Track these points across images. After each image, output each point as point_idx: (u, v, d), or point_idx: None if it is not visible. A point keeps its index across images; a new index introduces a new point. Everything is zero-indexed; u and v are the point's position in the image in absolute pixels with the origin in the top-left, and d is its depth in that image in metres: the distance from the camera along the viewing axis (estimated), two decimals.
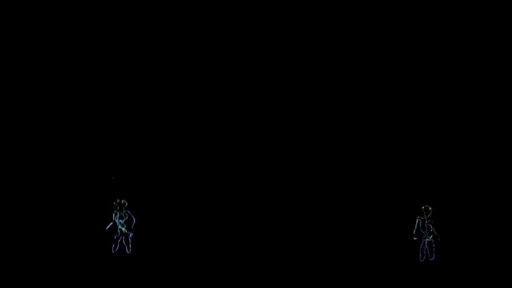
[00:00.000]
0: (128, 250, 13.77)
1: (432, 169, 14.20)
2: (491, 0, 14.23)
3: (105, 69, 14.31)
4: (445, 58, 14.31)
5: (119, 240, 13.73)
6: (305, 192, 14.20)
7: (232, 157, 14.30)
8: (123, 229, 13.74)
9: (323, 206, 14.17)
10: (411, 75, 14.35)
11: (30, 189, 13.99)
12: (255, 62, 14.44)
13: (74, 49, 14.29)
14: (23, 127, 14.15)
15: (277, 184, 14.24)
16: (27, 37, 14.23)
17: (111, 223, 13.75)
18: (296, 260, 13.96)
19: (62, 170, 14.09)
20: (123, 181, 14.08)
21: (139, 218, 13.90)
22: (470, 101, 14.27)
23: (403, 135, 14.30)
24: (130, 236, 13.76)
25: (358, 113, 14.38)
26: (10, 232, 13.81)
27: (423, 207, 14.01)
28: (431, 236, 13.94)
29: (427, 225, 13.96)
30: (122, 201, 13.80)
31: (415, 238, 13.99)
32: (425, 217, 13.99)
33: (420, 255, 13.95)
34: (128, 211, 13.81)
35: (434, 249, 13.94)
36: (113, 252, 13.68)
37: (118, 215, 13.75)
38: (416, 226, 14.00)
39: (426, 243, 13.95)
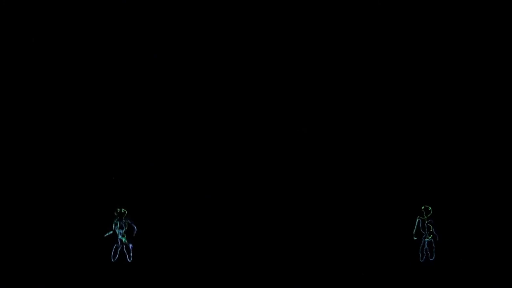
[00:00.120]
0: (129, 259, 13.78)
1: (432, 169, 14.20)
2: (491, 0, 14.23)
3: (106, 70, 14.32)
4: (445, 58, 14.26)
5: (119, 249, 13.74)
6: (305, 192, 14.20)
7: (232, 160, 14.30)
8: (123, 239, 13.76)
9: (323, 206, 14.18)
10: (411, 76, 14.33)
11: (30, 189, 14.02)
12: (255, 62, 14.43)
13: (74, 50, 14.29)
14: (23, 128, 14.16)
15: (277, 185, 14.24)
16: (27, 37, 14.24)
17: (111, 232, 13.76)
18: (297, 260, 13.97)
19: (62, 172, 14.11)
20: (123, 182, 14.10)
21: (139, 224, 13.91)
22: (470, 102, 14.26)
23: (403, 135, 14.28)
24: (131, 247, 13.77)
25: (358, 113, 14.37)
26: (10, 235, 13.84)
27: (423, 207, 14.00)
28: (431, 236, 13.93)
29: (427, 225, 13.95)
30: (122, 210, 13.81)
31: (415, 238, 13.98)
32: (425, 217, 13.98)
33: (420, 255, 13.96)
34: (129, 221, 13.82)
35: (434, 249, 13.93)
36: (112, 260, 13.69)
37: (118, 225, 13.76)
38: (416, 226, 14.00)
39: (426, 243, 13.94)
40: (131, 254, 13.84)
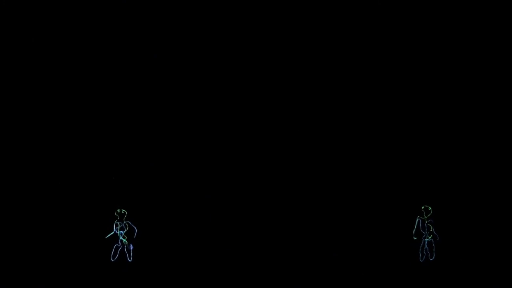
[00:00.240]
0: (130, 259, 13.79)
1: (432, 169, 14.19)
2: (490, 0, 14.22)
3: (105, 70, 14.32)
4: (445, 58, 14.26)
5: (119, 249, 13.76)
6: (305, 193, 14.20)
7: (232, 160, 14.30)
8: (124, 240, 13.77)
9: (323, 206, 14.17)
10: (410, 76, 14.32)
11: (30, 189, 14.02)
12: (255, 62, 14.42)
13: (74, 50, 14.28)
14: (23, 128, 14.16)
15: (277, 185, 14.24)
16: (27, 37, 14.24)
17: (112, 233, 13.77)
18: (297, 260, 13.97)
19: (62, 172, 14.11)
20: (123, 182, 14.10)
21: (139, 224, 13.91)
22: (469, 102, 14.25)
23: (403, 135, 14.27)
24: (131, 248, 13.78)
25: (358, 113, 14.36)
26: (10, 234, 13.84)
27: (423, 207, 14.00)
28: (431, 236, 13.93)
29: (427, 225, 13.95)
30: (123, 211, 13.82)
31: (415, 238, 13.98)
32: (425, 217, 13.98)
33: (420, 255, 13.95)
34: (129, 222, 13.83)
35: (434, 249, 13.93)
36: (112, 260, 13.70)
37: (119, 226, 13.77)
38: (416, 226, 13.99)
39: (426, 243, 13.94)
40: (131, 254, 13.84)
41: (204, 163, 14.34)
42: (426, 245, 13.96)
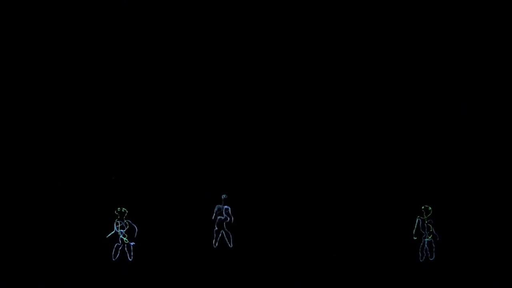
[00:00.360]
0: (130, 258, 13.79)
1: (432, 169, 14.21)
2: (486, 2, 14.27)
3: (106, 70, 14.33)
4: (444, 59, 14.30)
5: (120, 248, 13.76)
6: (306, 193, 14.21)
7: (232, 160, 14.32)
8: (124, 239, 13.77)
9: (324, 206, 14.18)
10: (411, 78, 14.35)
11: (31, 189, 14.03)
12: (254, 63, 14.44)
13: (75, 50, 14.29)
14: (23, 129, 14.16)
15: (276, 185, 14.25)
16: (27, 37, 14.25)
17: (113, 232, 13.78)
18: (297, 260, 13.97)
19: (62, 172, 14.13)
20: (123, 182, 14.12)
21: (139, 224, 13.92)
22: (469, 103, 14.27)
23: (403, 135, 14.30)
24: (132, 245, 13.78)
25: (358, 114, 14.38)
26: (11, 234, 13.85)
27: (423, 207, 14.01)
28: (431, 236, 13.94)
29: (427, 225, 13.96)
30: (123, 209, 13.82)
31: (415, 238, 13.98)
32: (425, 217, 13.99)
33: (420, 255, 13.96)
34: (129, 221, 13.84)
35: (434, 249, 13.93)
36: (113, 259, 13.71)
37: (119, 224, 13.78)
38: (416, 226, 14.00)
39: (426, 243, 13.95)
40: (131, 253, 13.84)
41: (204, 163, 14.34)
42: (426, 245, 13.97)
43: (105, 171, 14.18)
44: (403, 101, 14.34)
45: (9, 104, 14.22)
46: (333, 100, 14.41)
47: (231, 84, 14.42)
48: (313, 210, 14.20)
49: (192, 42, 14.40)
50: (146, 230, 13.96)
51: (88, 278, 13.65)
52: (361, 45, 14.36)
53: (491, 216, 14.06)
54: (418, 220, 14.02)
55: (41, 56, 14.24)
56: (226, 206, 14.06)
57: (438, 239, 13.95)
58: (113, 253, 13.78)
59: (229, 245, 14.02)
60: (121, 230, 13.81)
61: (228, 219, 14.03)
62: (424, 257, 13.96)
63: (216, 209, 14.08)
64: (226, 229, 14.03)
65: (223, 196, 14.07)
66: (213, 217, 14.06)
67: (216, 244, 14.02)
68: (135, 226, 13.88)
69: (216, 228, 14.07)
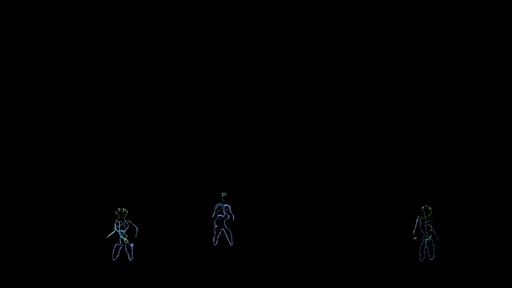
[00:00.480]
0: (130, 258, 13.80)
1: (432, 169, 14.20)
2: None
3: (106, 70, 14.33)
4: (444, 60, 14.30)
5: (120, 248, 13.77)
6: (306, 193, 14.20)
7: (232, 160, 14.32)
8: (124, 239, 13.78)
9: (324, 206, 14.18)
10: (411, 78, 14.35)
11: (31, 189, 14.04)
12: (254, 63, 14.44)
13: (74, 50, 14.29)
14: (24, 129, 14.16)
15: (276, 185, 14.25)
16: (27, 37, 14.25)
17: (113, 232, 13.79)
18: (297, 260, 13.97)
19: (62, 172, 14.13)
20: (123, 182, 14.12)
21: (140, 224, 13.92)
22: (469, 103, 14.27)
23: (403, 135, 14.30)
24: (132, 246, 13.79)
25: (358, 113, 14.38)
26: (11, 234, 13.85)
27: (423, 207, 14.01)
28: (431, 236, 13.94)
29: (427, 225, 13.96)
30: (123, 209, 13.82)
31: (415, 238, 13.99)
32: (425, 217, 13.99)
33: (420, 255, 13.96)
34: (129, 221, 13.85)
35: (434, 249, 13.94)
36: (113, 259, 13.72)
37: (119, 225, 13.78)
38: (416, 226, 14.00)
39: (426, 243, 13.95)
40: (132, 253, 13.85)
41: (203, 163, 14.35)
42: (426, 245, 13.97)
43: (105, 171, 14.20)
44: (403, 101, 14.33)
45: (9, 105, 14.21)
46: (333, 100, 14.40)
47: (230, 84, 14.42)
48: (313, 210, 14.20)
49: (192, 42, 14.39)
50: (146, 230, 13.97)
51: (88, 278, 13.66)
52: (361, 45, 14.35)
53: (491, 216, 14.06)
54: (418, 220, 14.03)
55: (41, 56, 14.24)
56: (226, 205, 14.06)
57: (438, 239, 13.95)
58: (113, 253, 13.80)
59: (230, 243, 14.02)
60: (121, 231, 13.82)
61: (228, 217, 14.03)
62: (424, 257, 13.97)
63: (216, 207, 14.08)
64: (226, 227, 14.03)
65: (223, 194, 14.07)
66: (213, 216, 14.06)
67: (216, 242, 14.01)
68: (135, 226, 13.89)
69: (216, 226, 14.07)
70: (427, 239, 13.96)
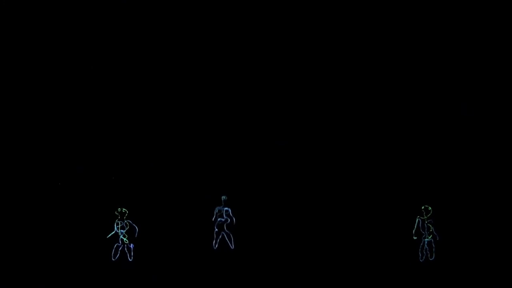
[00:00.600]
0: (130, 258, 13.81)
1: (432, 169, 14.21)
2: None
3: (106, 71, 14.34)
4: (444, 60, 14.30)
5: (120, 248, 13.78)
6: (306, 193, 14.21)
7: (232, 160, 14.32)
8: (124, 239, 13.79)
9: (324, 206, 14.18)
10: (411, 77, 14.35)
11: (31, 189, 14.05)
12: (254, 63, 14.45)
13: (75, 50, 14.30)
14: (24, 129, 14.17)
15: (277, 185, 14.25)
16: (27, 37, 14.25)
17: (113, 232, 13.80)
18: (297, 260, 13.98)
19: (63, 172, 14.14)
20: (123, 182, 14.13)
21: (140, 224, 13.93)
22: (469, 103, 14.28)
23: (403, 135, 14.30)
24: (132, 247, 13.80)
25: (358, 114, 14.39)
26: (11, 234, 13.87)
27: (423, 207, 14.01)
28: (431, 236, 13.94)
29: (427, 225, 13.96)
30: (123, 209, 13.83)
31: (415, 238, 13.99)
32: (425, 217, 13.99)
33: (420, 255, 13.96)
34: (129, 221, 13.85)
35: (434, 249, 13.94)
36: (113, 259, 13.73)
37: (119, 225, 13.79)
38: (416, 226, 14.00)
39: (426, 243, 13.95)
40: (132, 253, 13.86)
41: (203, 163, 14.35)
42: (426, 245, 13.97)
43: (105, 171, 14.21)
44: (404, 101, 14.34)
45: (9, 105, 14.22)
46: (333, 101, 14.41)
47: (231, 86, 14.42)
48: (314, 211, 14.21)
49: (192, 43, 14.40)
50: (146, 231, 13.97)
51: (88, 278, 13.67)
52: (361, 46, 14.35)
53: (491, 216, 14.06)
54: (418, 220, 14.03)
55: (41, 56, 14.25)
56: (226, 208, 14.06)
57: (438, 239, 13.95)
58: (113, 253, 13.80)
59: (231, 246, 14.02)
60: (122, 231, 13.82)
61: (229, 220, 14.02)
62: (424, 257, 13.97)
63: (216, 210, 14.08)
64: (226, 231, 14.02)
65: (223, 198, 14.06)
66: (213, 219, 14.06)
67: (216, 246, 14.01)
68: (135, 227, 13.90)
69: (216, 230, 14.06)
70: (427, 239, 13.96)
